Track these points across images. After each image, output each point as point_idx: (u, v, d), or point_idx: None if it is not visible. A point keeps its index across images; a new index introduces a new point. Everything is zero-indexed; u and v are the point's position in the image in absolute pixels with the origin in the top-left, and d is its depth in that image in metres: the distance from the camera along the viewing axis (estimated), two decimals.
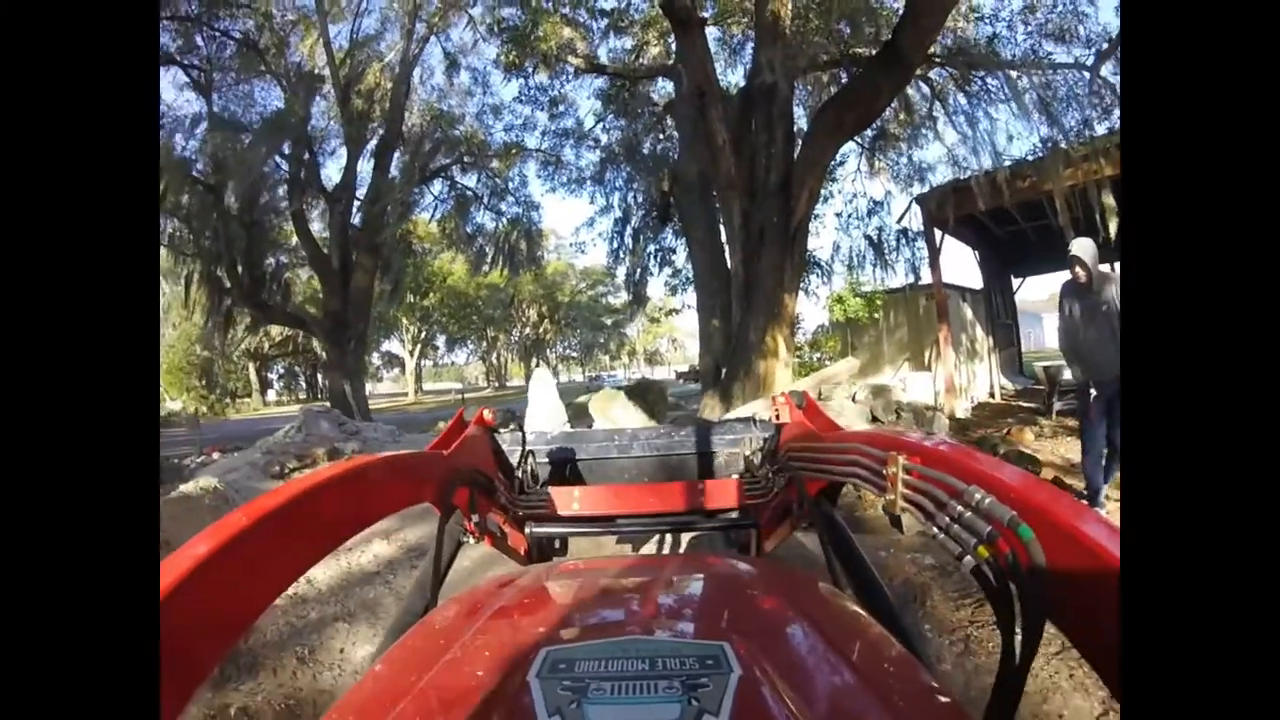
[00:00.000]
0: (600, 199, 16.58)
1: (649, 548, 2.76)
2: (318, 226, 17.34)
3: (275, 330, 31.38)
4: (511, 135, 17.97)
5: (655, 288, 18.06)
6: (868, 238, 15.05)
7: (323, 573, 4.42)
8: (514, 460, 1.78)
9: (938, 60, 10.78)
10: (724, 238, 10.37)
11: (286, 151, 15.70)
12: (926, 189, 12.74)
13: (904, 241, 14.55)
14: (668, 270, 16.71)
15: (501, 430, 1.74)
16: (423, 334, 44.61)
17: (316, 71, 15.66)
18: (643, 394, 9.80)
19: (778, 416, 1.67)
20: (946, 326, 11.13)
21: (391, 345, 47.51)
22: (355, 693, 0.60)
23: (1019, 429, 8.55)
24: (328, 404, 15.30)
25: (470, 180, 18.80)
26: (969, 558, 0.65)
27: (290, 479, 6.76)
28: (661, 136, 15.54)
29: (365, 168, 16.83)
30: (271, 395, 44.78)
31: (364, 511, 0.91)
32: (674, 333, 63.92)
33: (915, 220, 13.43)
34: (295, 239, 16.88)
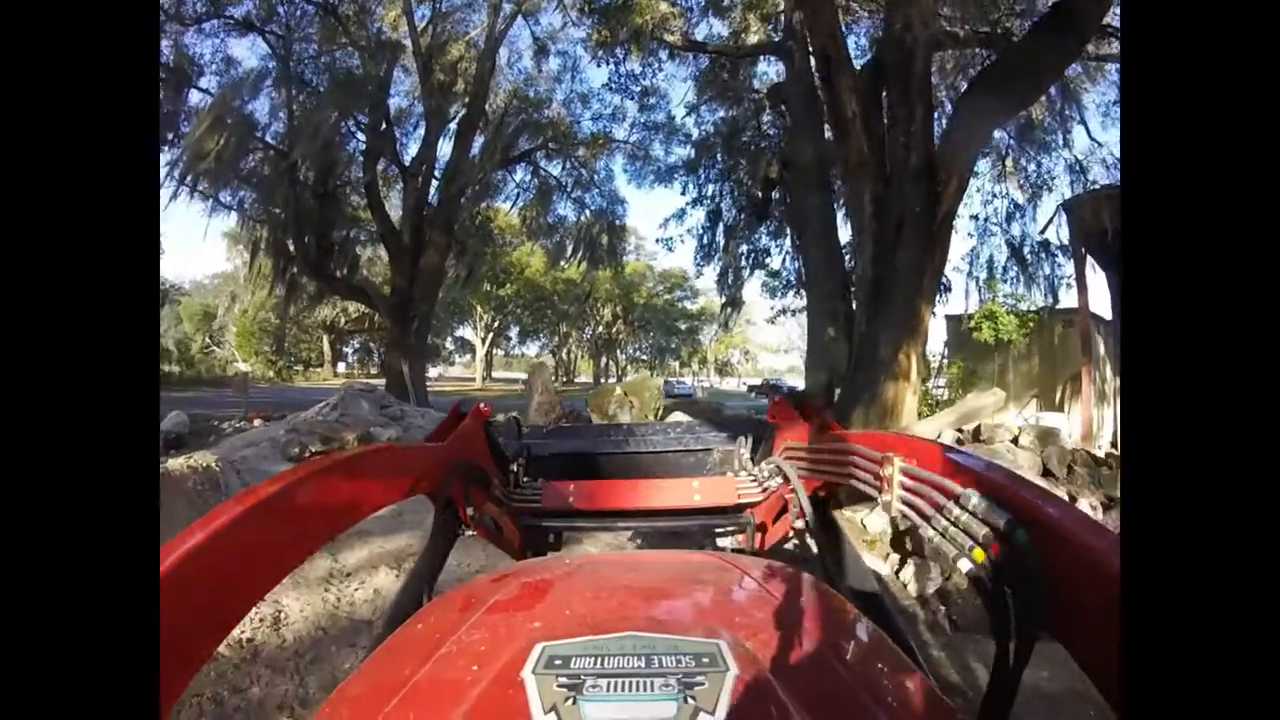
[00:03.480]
0: (691, 190, 15.36)
1: (644, 544, 2.72)
2: (394, 205, 17.05)
3: (353, 306, 31.74)
4: (599, 125, 17.47)
5: (747, 291, 16.82)
6: (1010, 246, 12.98)
7: (301, 606, 3.39)
8: (510, 454, 1.74)
9: (1112, 32, 8.88)
10: (842, 234, 8.96)
11: (364, 122, 15.32)
12: (1070, 195, 10.96)
13: (1043, 256, 12.54)
14: (761, 273, 15.44)
15: (498, 423, 1.73)
16: (496, 322, 44.78)
17: (398, 40, 15.24)
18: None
19: (775, 416, 1.65)
20: (1089, 360, 9.31)
21: (465, 331, 48.06)
22: (350, 686, 0.60)
23: None
24: (384, 382, 14.81)
25: (554, 168, 18.30)
26: (965, 561, 0.65)
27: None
28: (758, 131, 14.25)
29: (446, 148, 16.43)
30: (342, 368, 45.70)
31: (360, 503, 0.92)
32: (746, 344, 62.62)
33: (1058, 231, 11.74)
34: (365, 212, 16.55)
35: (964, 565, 0.65)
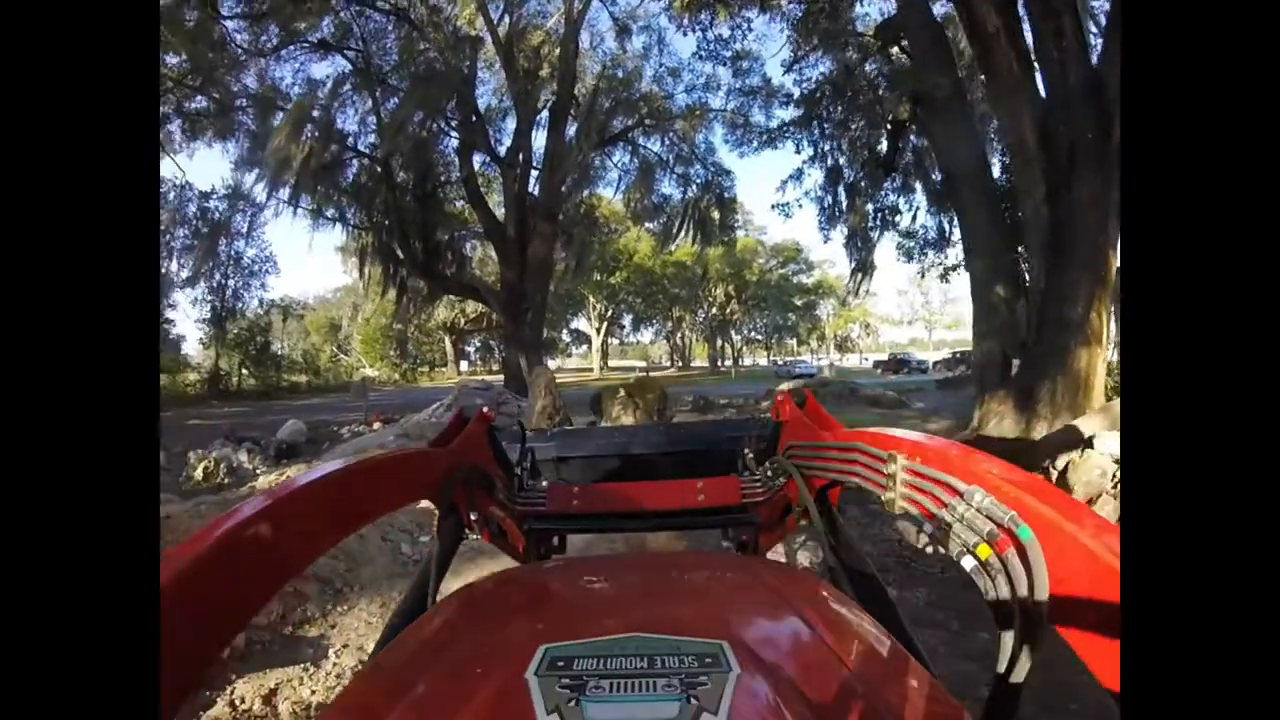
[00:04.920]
0: (806, 147, 14.09)
1: (647, 546, 2.80)
2: (495, 202, 17.13)
3: (471, 306, 32.87)
4: (694, 96, 16.81)
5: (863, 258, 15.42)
6: None
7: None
8: (513, 457, 1.72)
9: None
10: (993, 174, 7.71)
11: (454, 119, 15.37)
12: None
13: None
14: (892, 233, 14.09)
15: (501, 427, 1.75)
16: (609, 312, 45.09)
17: (478, 35, 15.23)
18: None
19: (778, 414, 1.66)
20: None
21: (579, 323, 48.86)
22: (353, 688, 0.60)
23: None
24: (501, 378, 14.95)
25: (653, 145, 17.73)
26: (968, 558, 0.65)
27: None
28: (865, 78, 12.85)
29: (540, 139, 16.31)
30: (465, 366, 47.70)
31: (365, 508, 0.93)
32: (867, 317, 59.32)
33: None
34: (470, 211, 16.71)
35: (967, 563, 0.65)
